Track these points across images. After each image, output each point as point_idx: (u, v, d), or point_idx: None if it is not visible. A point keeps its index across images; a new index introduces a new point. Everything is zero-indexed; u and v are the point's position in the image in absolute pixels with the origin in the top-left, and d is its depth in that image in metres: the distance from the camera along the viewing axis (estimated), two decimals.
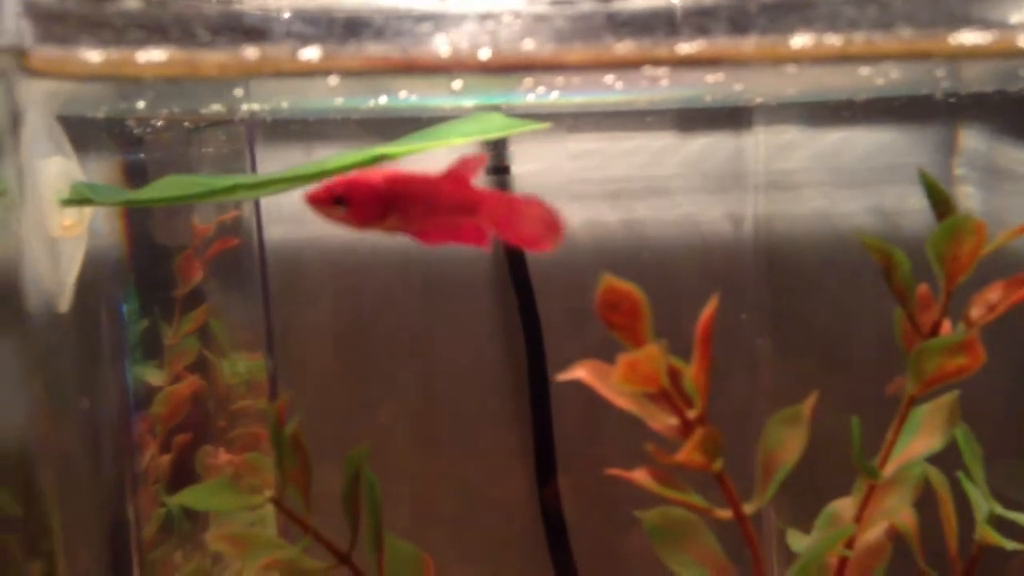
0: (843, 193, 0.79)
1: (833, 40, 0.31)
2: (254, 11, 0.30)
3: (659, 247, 0.79)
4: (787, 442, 0.43)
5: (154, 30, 0.29)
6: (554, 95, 0.51)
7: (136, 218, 0.69)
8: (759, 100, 0.62)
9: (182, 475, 0.70)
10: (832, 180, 0.78)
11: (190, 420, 0.75)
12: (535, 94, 0.48)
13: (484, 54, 0.31)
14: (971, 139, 0.74)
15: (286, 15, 0.30)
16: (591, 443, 0.80)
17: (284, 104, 0.52)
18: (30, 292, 0.33)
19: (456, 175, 0.41)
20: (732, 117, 0.71)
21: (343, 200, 0.41)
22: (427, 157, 0.43)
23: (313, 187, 0.42)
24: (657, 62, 0.31)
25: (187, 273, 0.75)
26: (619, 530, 0.80)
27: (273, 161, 0.71)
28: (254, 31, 0.30)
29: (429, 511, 0.79)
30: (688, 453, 0.39)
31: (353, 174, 0.41)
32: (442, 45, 0.31)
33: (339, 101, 0.51)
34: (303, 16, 0.30)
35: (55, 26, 0.29)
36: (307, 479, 0.50)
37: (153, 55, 0.29)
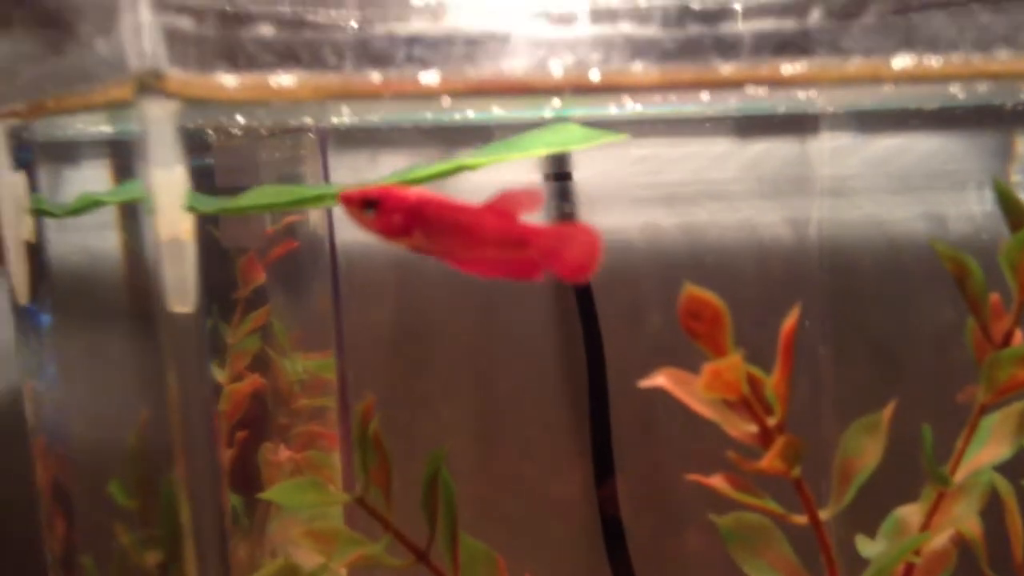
0: (898, 199, 0.79)
1: (932, 61, 0.32)
2: (380, 36, 0.31)
3: (719, 253, 0.79)
4: (866, 449, 0.44)
5: (285, 55, 0.31)
6: (633, 107, 0.52)
7: (201, 222, 0.71)
8: (831, 110, 0.63)
9: (243, 471, 0.72)
10: (888, 186, 0.79)
11: (251, 417, 0.77)
12: (616, 107, 0.49)
13: (594, 76, 0.32)
14: None
15: (407, 40, 0.31)
16: (648, 446, 0.81)
17: (375, 118, 0.53)
18: (169, 293, 0.35)
19: (500, 209, 0.42)
20: (795, 123, 0.72)
21: (373, 205, 0.41)
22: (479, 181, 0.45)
23: (350, 189, 0.42)
24: (759, 82, 0.32)
25: (249, 275, 0.77)
26: (675, 532, 0.81)
27: (341, 167, 0.73)
28: (379, 55, 0.31)
29: (488, 511, 0.80)
30: (770, 460, 0.40)
31: (391, 185, 0.42)
32: (556, 68, 0.32)
33: (428, 115, 0.53)
34: (423, 41, 0.32)
35: (191, 49, 0.31)
36: (388, 478, 0.51)
37: (284, 79, 0.31)
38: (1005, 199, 0.49)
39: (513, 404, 0.81)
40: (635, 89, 0.33)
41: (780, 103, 0.56)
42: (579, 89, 0.32)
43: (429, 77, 0.32)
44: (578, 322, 0.79)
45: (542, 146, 0.48)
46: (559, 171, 0.75)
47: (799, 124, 0.74)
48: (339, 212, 0.76)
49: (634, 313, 0.80)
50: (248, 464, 0.72)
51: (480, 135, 0.65)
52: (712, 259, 0.79)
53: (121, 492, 0.54)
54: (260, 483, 0.72)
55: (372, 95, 0.33)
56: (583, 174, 0.77)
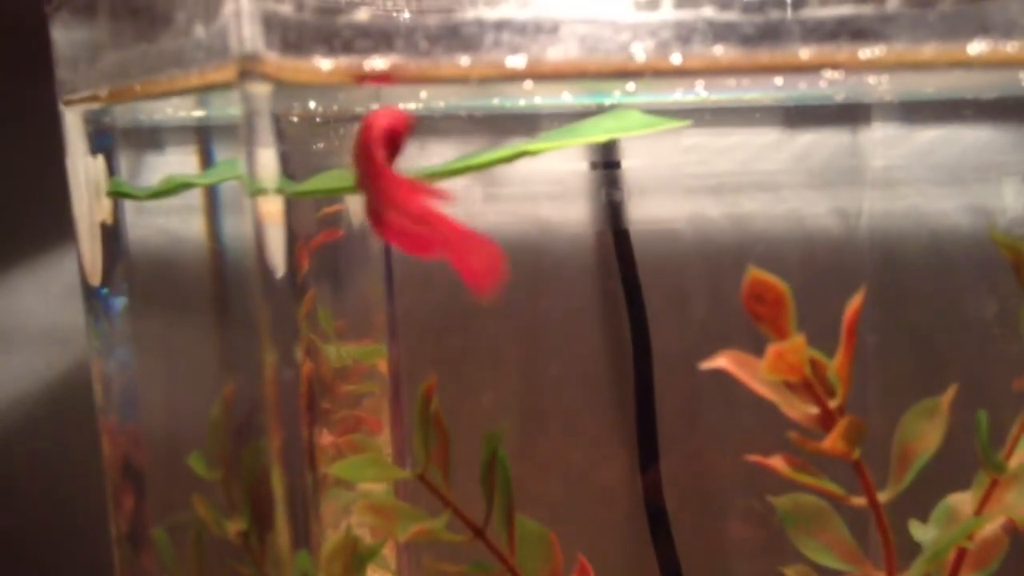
0: (946, 190, 0.79)
1: (1008, 47, 0.33)
2: (469, 21, 0.32)
3: (767, 243, 0.80)
4: (925, 433, 0.44)
5: (380, 39, 0.32)
6: (700, 92, 0.53)
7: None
8: (886, 98, 0.63)
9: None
10: (936, 178, 0.79)
11: (306, 402, 0.78)
12: (683, 92, 0.50)
13: (676, 59, 0.33)
14: None
15: (495, 24, 0.32)
16: (693, 433, 0.82)
17: (440, 104, 0.54)
18: (271, 267, 0.37)
19: (414, 185, 0.41)
20: (846, 113, 0.72)
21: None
22: None
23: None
24: (836, 66, 0.33)
25: (299, 262, 0.79)
26: (719, 519, 0.81)
27: None
28: (468, 39, 0.33)
29: (533, 495, 0.81)
30: (833, 441, 0.41)
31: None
32: (638, 51, 0.33)
33: (496, 101, 0.54)
34: (510, 26, 0.33)
35: (290, 34, 0.33)
36: (447, 456, 0.52)
37: (376, 63, 0.32)
38: None
39: (559, 390, 0.82)
40: (714, 73, 0.34)
41: (841, 90, 0.56)
42: (660, 72, 0.33)
43: (515, 61, 0.33)
44: (624, 309, 0.80)
45: (603, 132, 0.49)
46: (607, 159, 0.75)
47: (850, 114, 0.74)
48: None
49: (680, 301, 0.80)
50: (308, 449, 0.74)
51: (528, 123, 0.66)
52: (759, 249, 0.79)
53: (201, 464, 0.56)
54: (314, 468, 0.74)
55: (459, 78, 0.34)
56: (631, 163, 0.78)
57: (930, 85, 0.57)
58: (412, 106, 0.64)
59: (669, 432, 0.80)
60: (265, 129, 0.34)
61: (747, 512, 0.81)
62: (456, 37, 0.33)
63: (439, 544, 0.54)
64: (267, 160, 0.35)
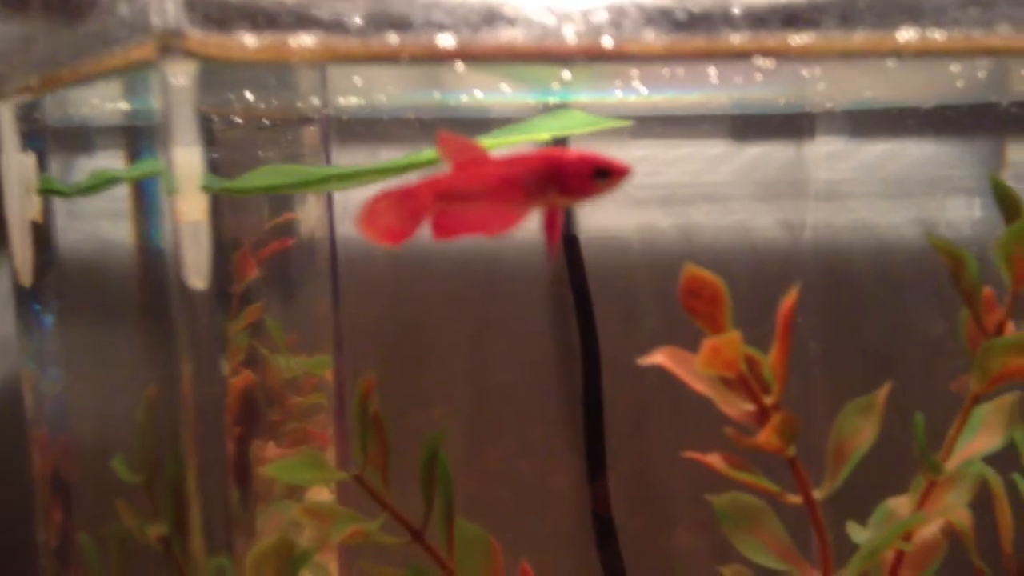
0: (891, 204, 0.81)
1: (936, 35, 0.33)
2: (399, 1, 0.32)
3: (714, 254, 0.80)
4: (860, 430, 0.44)
5: (304, 17, 0.32)
6: (639, 91, 0.53)
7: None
8: (828, 105, 0.64)
9: (236, 467, 0.72)
10: (881, 191, 0.80)
11: (243, 414, 0.77)
12: (620, 91, 0.50)
13: (607, 42, 0.33)
14: (1020, 152, 0.75)
15: (424, 4, 0.32)
16: (640, 442, 0.82)
17: (383, 97, 0.54)
18: (189, 273, 0.36)
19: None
20: (792, 126, 0.73)
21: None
22: None
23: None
24: (767, 53, 0.33)
25: (242, 270, 0.77)
26: (665, 529, 0.81)
27: (343, 161, 0.74)
28: (396, 19, 0.32)
29: (481, 504, 0.80)
30: (767, 436, 0.41)
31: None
32: (569, 34, 0.33)
33: (435, 95, 0.53)
34: (440, 5, 0.32)
35: (213, 10, 0.32)
36: (386, 458, 0.52)
37: (303, 40, 0.32)
38: (1001, 193, 0.50)
39: (508, 400, 0.81)
40: (645, 58, 0.34)
41: (780, 90, 0.57)
42: (591, 56, 0.33)
43: (445, 41, 0.33)
44: (574, 320, 0.80)
45: (546, 131, 0.49)
46: None
47: (795, 127, 0.75)
48: (340, 208, 0.78)
49: (630, 312, 0.80)
50: (241, 460, 0.72)
51: (479, 127, 0.66)
52: (707, 260, 0.79)
53: (124, 468, 0.54)
54: (252, 480, 0.73)
55: (390, 57, 0.33)
56: None
57: (867, 87, 0.58)
58: (358, 104, 0.63)
59: (617, 440, 0.80)
60: (186, 117, 0.33)
61: (692, 522, 0.81)
62: (386, 16, 0.32)
63: (381, 550, 0.53)
64: (188, 153, 0.34)
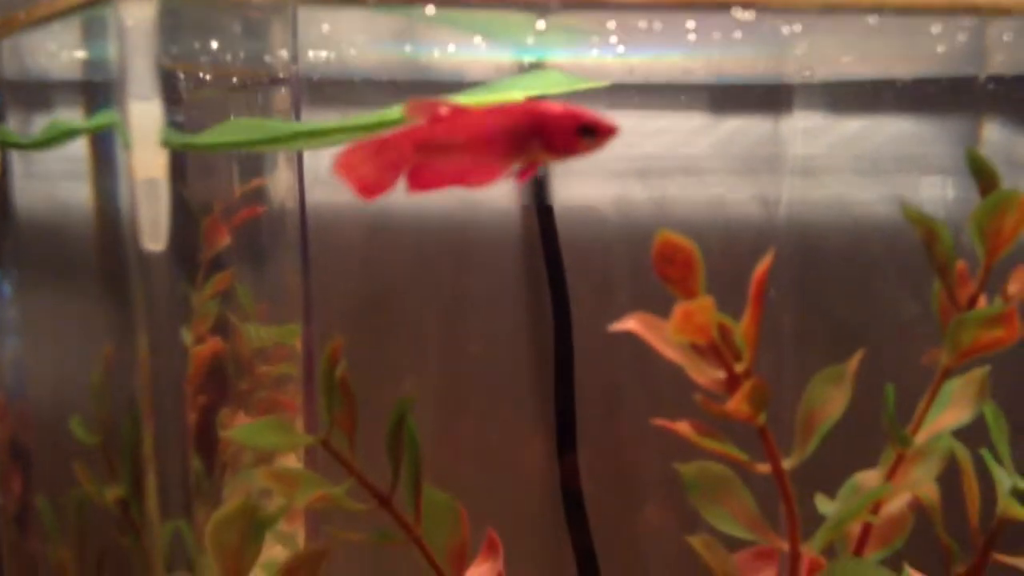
0: (865, 180, 0.80)
1: None
2: None
3: (689, 227, 0.80)
4: (830, 399, 0.44)
5: None
6: (616, 51, 0.52)
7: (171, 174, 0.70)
8: (806, 74, 0.64)
9: (202, 436, 0.71)
10: (856, 167, 0.80)
11: (211, 383, 0.76)
12: (597, 49, 0.49)
13: None
14: (995, 131, 0.75)
15: None
16: (612, 416, 0.81)
17: (353, 51, 0.53)
18: (144, 232, 0.35)
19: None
20: (770, 99, 0.73)
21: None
22: None
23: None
24: (747, 3, 0.32)
25: (213, 237, 0.76)
26: (636, 506, 0.81)
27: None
28: None
29: (450, 478, 0.80)
30: (737, 403, 0.40)
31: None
32: None
33: (406, 48, 0.52)
34: None
35: None
36: (353, 423, 0.51)
37: None
38: (976, 164, 0.50)
39: (479, 372, 0.81)
40: (622, 5, 0.33)
41: (761, 51, 0.56)
42: (566, 2, 0.32)
43: None
44: (547, 292, 0.79)
45: (521, 90, 0.48)
46: None
47: (773, 100, 0.74)
48: (311, 175, 0.76)
49: (603, 285, 0.80)
50: (207, 429, 0.71)
51: (455, 89, 0.65)
52: (682, 233, 0.79)
53: (82, 429, 0.53)
54: (218, 449, 0.72)
55: None
56: None
57: (846, 53, 0.57)
58: (328, 60, 0.62)
59: (588, 414, 0.80)
60: (144, 64, 0.32)
61: (663, 500, 0.80)
62: None
63: (348, 518, 0.52)
64: (146, 105, 0.32)
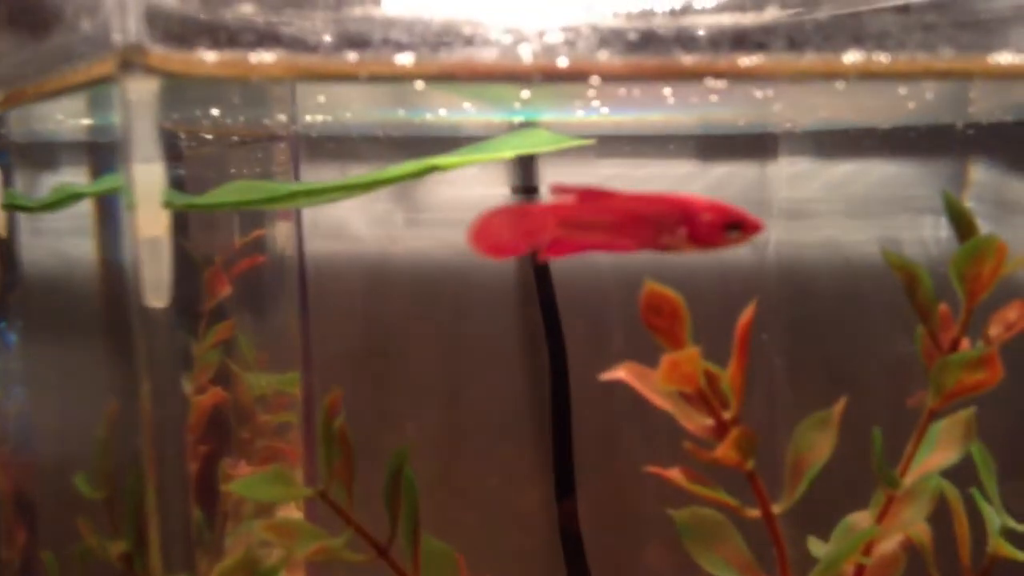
0: (854, 223, 0.82)
1: (881, 58, 0.34)
2: (356, 18, 0.33)
3: (681, 272, 0.81)
4: (816, 444, 0.45)
5: (266, 35, 0.32)
6: (600, 111, 0.53)
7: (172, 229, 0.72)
8: (788, 126, 0.65)
9: (204, 485, 0.72)
10: (844, 210, 0.81)
11: (212, 432, 0.76)
12: (583, 109, 0.51)
13: (563, 62, 0.34)
14: (981, 172, 0.76)
15: (383, 22, 0.33)
16: (609, 461, 0.82)
17: (348, 115, 0.54)
18: (147, 289, 0.36)
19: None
20: (756, 146, 0.74)
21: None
22: None
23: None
24: (718, 74, 0.34)
25: (214, 287, 0.77)
26: (634, 548, 0.81)
27: (312, 179, 0.74)
28: (356, 38, 0.33)
29: (450, 523, 0.80)
30: (725, 450, 0.41)
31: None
32: (525, 54, 0.34)
33: (400, 112, 0.54)
34: (399, 24, 0.33)
35: (174, 26, 0.32)
36: (351, 474, 0.52)
37: (264, 57, 0.32)
38: (954, 211, 0.51)
39: (478, 418, 0.81)
40: (600, 76, 0.34)
41: (740, 111, 0.58)
42: (547, 75, 0.34)
43: (404, 59, 0.34)
44: (544, 339, 0.80)
45: (511, 149, 0.49)
46: (527, 184, 0.76)
47: (759, 148, 0.76)
48: (309, 225, 0.78)
49: (599, 332, 0.81)
50: (209, 479, 0.72)
51: (448, 146, 0.67)
52: (674, 279, 0.80)
53: (86, 484, 0.54)
54: (220, 499, 0.72)
55: (348, 75, 0.34)
56: (549, 190, 0.78)
57: (822, 108, 0.59)
58: (324, 122, 0.64)
59: (587, 458, 0.80)
60: (147, 132, 0.34)
61: (661, 542, 0.81)
62: (346, 35, 0.33)
63: (350, 568, 0.53)
64: (150, 171, 0.34)
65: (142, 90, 0.33)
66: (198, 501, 0.73)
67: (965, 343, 0.52)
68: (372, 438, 0.79)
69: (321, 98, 0.48)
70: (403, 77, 0.34)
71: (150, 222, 0.37)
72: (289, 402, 0.81)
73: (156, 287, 0.38)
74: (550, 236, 0.43)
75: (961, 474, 0.55)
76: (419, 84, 0.35)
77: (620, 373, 0.45)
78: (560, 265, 0.80)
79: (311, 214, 0.73)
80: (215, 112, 0.51)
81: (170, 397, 0.41)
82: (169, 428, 0.41)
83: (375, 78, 0.33)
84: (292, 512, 0.72)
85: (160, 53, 0.33)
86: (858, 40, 0.34)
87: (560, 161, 0.77)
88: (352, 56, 0.33)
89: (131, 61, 0.33)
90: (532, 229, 0.43)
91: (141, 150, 0.35)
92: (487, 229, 0.43)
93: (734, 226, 0.41)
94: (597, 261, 0.81)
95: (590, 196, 0.42)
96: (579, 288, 0.80)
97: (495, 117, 0.56)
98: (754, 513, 0.45)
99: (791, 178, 0.79)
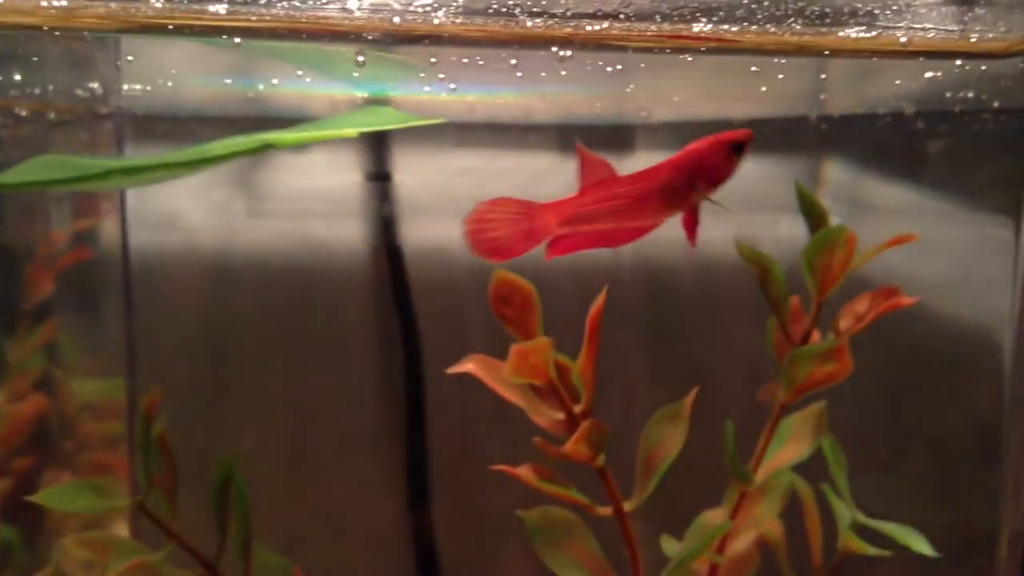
0: (711, 221, 0.82)
1: (729, 26, 0.33)
2: None
3: (537, 268, 0.79)
4: (667, 439, 0.43)
5: None
6: (448, 89, 0.51)
7: None
8: (643, 115, 0.64)
9: (22, 501, 0.66)
10: (702, 207, 0.81)
11: (32, 443, 0.70)
12: (429, 87, 0.48)
13: (396, 20, 0.31)
14: (836, 170, 0.78)
15: None
16: (467, 465, 0.79)
17: (168, 83, 0.50)
18: None
19: None
20: (614, 139, 0.73)
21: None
22: None
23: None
24: (564, 41, 0.31)
25: (36, 284, 0.71)
26: (492, 553, 0.79)
27: None
28: None
29: (296, 537, 0.76)
30: (574, 444, 0.39)
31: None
32: (355, 9, 0.30)
33: (227, 81, 0.49)
34: None
35: None
36: (173, 483, 0.47)
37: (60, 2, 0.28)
38: (805, 201, 0.51)
39: (326, 424, 0.77)
40: (436, 38, 0.31)
41: (594, 91, 0.56)
42: (377, 33, 0.31)
43: (218, 9, 0.30)
44: (397, 337, 0.77)
45: (356, 126, 0.46)
46: (379, 172, 0.73)
47: (618, 141, 0.75)
48: (134, 211, 0.72)
49: (456, 328, 0.78)
50: (28, 494, 0.66)
51: (288, 126, 0.63)
52: (530, 274, 0.79)
53: None
54: (42, 515, 0.66)
55: (157, 27, 0.30)
56: (405, 179, 0.75)
57: (676, 92, 0.58)
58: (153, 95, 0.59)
59: (443, 464, 0.77)
60: None
61: (519, 551, 0.79)
62: None
63: None
64: None
65: None
66: (13, 518, 0.66)
67: (816, 336, 0.52)
68: (210, 448, 0.74)
69: (135, 61, 0.43)
70: (219, 30, 0.30)
71: None
72: (118, 410, 0.75)
73: None
74: (551, 236, 0.41)
75: (813, 469, 0.55)
76: (236, 39, 0.31)
77: (468, 366, 0.42)
78: (415, 261, 0.77)
79: (136, 201, 0.67)
80: (17, 76, 0.45)
81: None
82: None
83: (183, 30, 0.29)
84: (121, 527, 0.66)
85: None
86: (707, 13, 0.33)
87: (414, 151, 0.74)
88: (158, 4, 0.29)
89: None
90: (534, 229, 0.41)
91: None
92: (481, 227, 0.40)
93: (737, 147, 0.40)
94: (453, 254, 0.79)
95: (588, 189, 0.40)
96: (435, 283, 0.78)
97: (338, 91, 0.53)
98: (606, 511, 0.43)
99: None
